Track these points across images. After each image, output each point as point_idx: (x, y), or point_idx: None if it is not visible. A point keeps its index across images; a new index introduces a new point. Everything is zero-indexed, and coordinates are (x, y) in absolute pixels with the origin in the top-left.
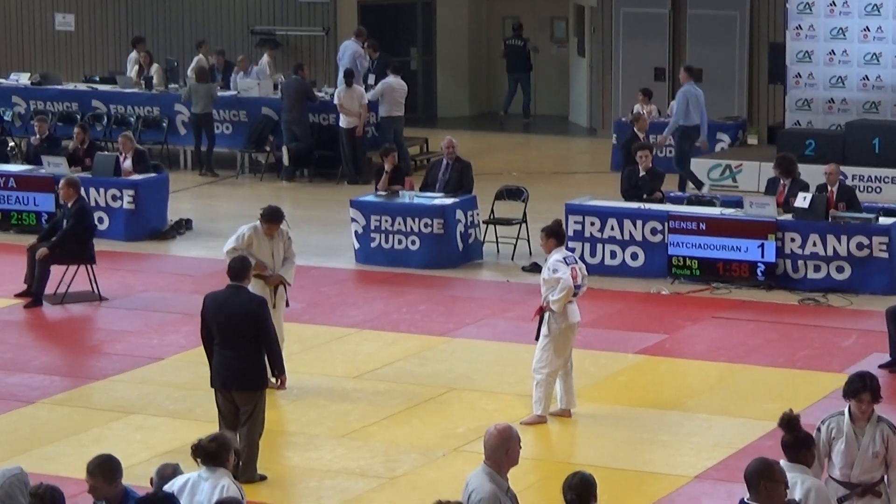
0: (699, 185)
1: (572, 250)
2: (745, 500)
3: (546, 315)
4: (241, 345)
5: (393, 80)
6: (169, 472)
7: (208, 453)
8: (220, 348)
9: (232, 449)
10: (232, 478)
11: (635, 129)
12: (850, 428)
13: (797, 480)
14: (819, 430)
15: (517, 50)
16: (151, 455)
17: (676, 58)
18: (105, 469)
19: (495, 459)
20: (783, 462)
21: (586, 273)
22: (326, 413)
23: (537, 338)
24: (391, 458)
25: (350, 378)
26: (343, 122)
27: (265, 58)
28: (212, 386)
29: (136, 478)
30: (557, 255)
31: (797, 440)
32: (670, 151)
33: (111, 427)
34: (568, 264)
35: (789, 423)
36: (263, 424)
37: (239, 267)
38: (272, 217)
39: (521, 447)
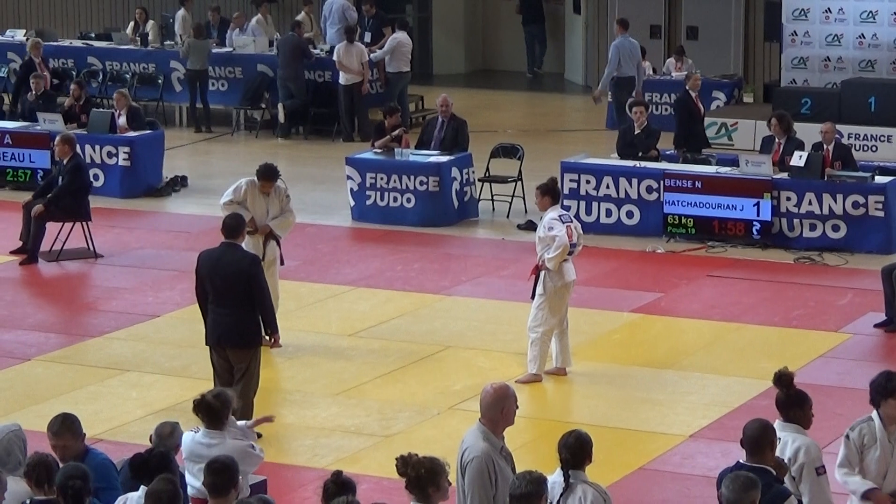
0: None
1: (567, 208)
2: (741, 461)
3: (542, 273)
4: (235, 302)
5: (401, 36)
6: (167, 430)
7: (212, 409)
8: (214, 306)
9: (231, 407)
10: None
11: (687, 88)
12: (883, 434)
13: (788, 440)
14: (848, 437)
15: (531, 1)
16: (147, 412)
17: (672, 15)
18: (71, 426)
19: (490, 418)
20: (777, 422)
21: (581, 231)
22: (321, 371)
23: (533, 296)
24: (386, 416)
25: (345, 336)
26: (342, 78)
27: (258, 15)
28: (206, 344)
29: (132, 435)
30: (553, 213)
31: (789, 398)
32: (666, 109)
33: (106, 384)
34: (563, 222)
35: (781, 379)
36: (258, 382)
37: (233, 224)
38: (267, 174)
39: (517, 406)
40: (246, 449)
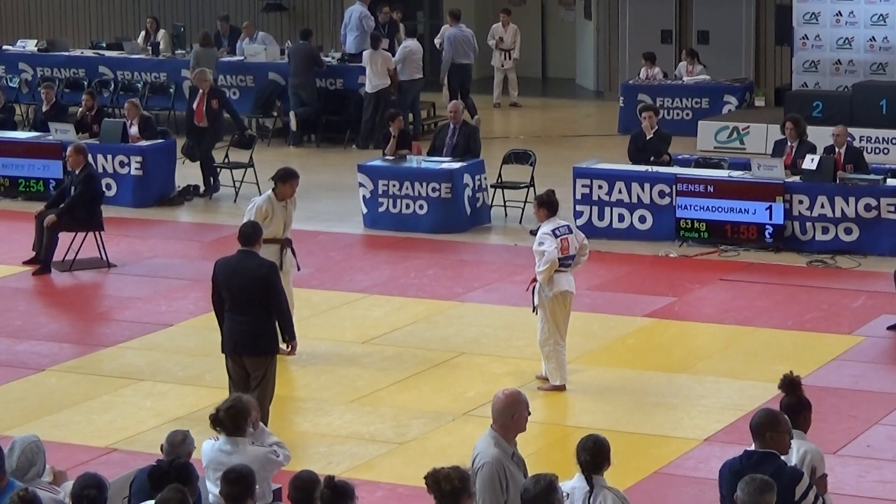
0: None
1: (580, 214)
2: (748, 450)
3: (536, 285)
4: (252, 310)
5: (412, 44)
6: (179, 438)
7: (227, 425)
8: (230, 314)
9: (250, 414)
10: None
11: None
12: None
13: (793, 445)
14: None
15: None
16: (161, 422)
17: (683, 20)
18: None
19: (502, 424)
20: None
21: (586, 241)
22: (335, 378)
23: (534, 310)
24: (401, 423)
25: (359, 343)
26: (368, 86)
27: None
28: (223, 351)
29: (147, 444)
30: (547, 226)
31: (799, 402)
32: (677, 114)
33: (120, 394)
34: (558, 236)
35: (791, 384)
36: (273, 390)
37: (250, 232)
38: (288, 175)
39: (529, 412)
40: (267, 455)
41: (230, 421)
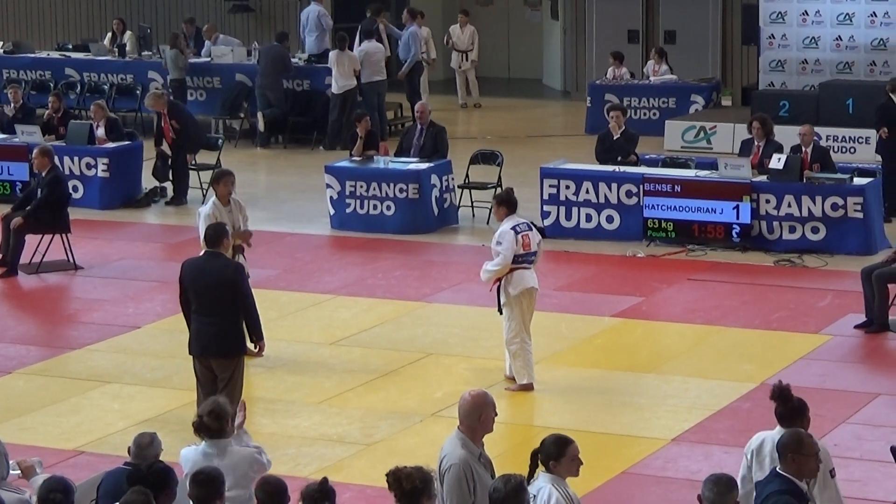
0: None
1: (547, 214)
2: (777, 469)
3: (501, 284)
4: (219, 311)
5: (367, 46)
6: (146, 440)
7: (212, 430)
8: (197, 315)
9: (230, 415)
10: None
11: (892, 96)
12: None
13: None
14: None
15: None
16: (129, 424)
17: (650, 20)
18: None
19: (468, 425)
20: (778, 428)
21: (540, 239)
22: (303, 380)
23: (499, 310)
24: (368, 424)
25: (326, 344)
26: (335, 87)
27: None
28: (190, 353)
29: (115, 447)
30: (507, 223)
31: (792, 410)
32: (644, 114)
33: (88, 396)
34: (518, 233)
35: (781, 394)
36: (241, 391)
37: (215, 233)
38: (220, 175)
39: (496, 413)
40: (254, 455)
41: (215, 423)
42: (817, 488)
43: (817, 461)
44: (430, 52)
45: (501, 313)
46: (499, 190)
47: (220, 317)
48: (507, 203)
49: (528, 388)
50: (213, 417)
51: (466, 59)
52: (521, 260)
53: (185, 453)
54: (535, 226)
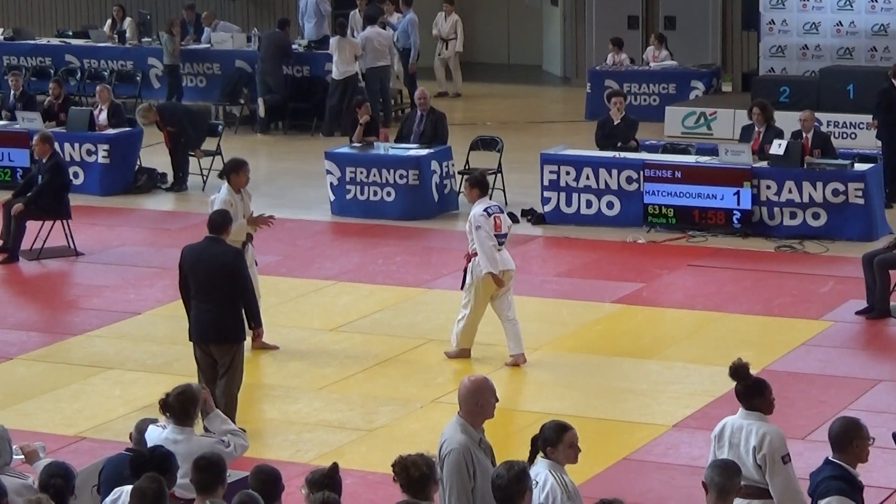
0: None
1: (548, 200)
2: (830, 458)
3: (472, 263)
4: (217, 297)
5: (370, 32)
6: (148, 426)
7: (175, 409)
8: (196, 301)
9: (199, 402)
10: (204, 434)
11: (893, 80)
12: None
13: (753, 428)
14: None
15: None
16: (130, 410)
17: (650, 6)
18: None
19: (468, 410)
20: (740, 410)
21: (511, 223)
22: (304, 366)
23: (463, 285)
24: (369, 409)
25: (327, 331)
26: (336, 73)
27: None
28: (190, 339)
29: (116, 433)
30: (480, 206)
31: (748, 388)
32: (644, 99)
33: (89, 382)
34: (490, 214)
35: (737, 371)
36: (242, 377)
37: (219, 219)
38: (239, 165)
39: (496, 399)
40: (213, 446)
41: (179, 406)
42: (769, 473)
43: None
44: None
45: (462, 289)
46: (500, 177)
47: (219, 303)
48: (480, 185)
49: (463, 354)
50: (179, 400)
51: (447, 48)
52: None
53: (151, 432)
54: (511, 213)
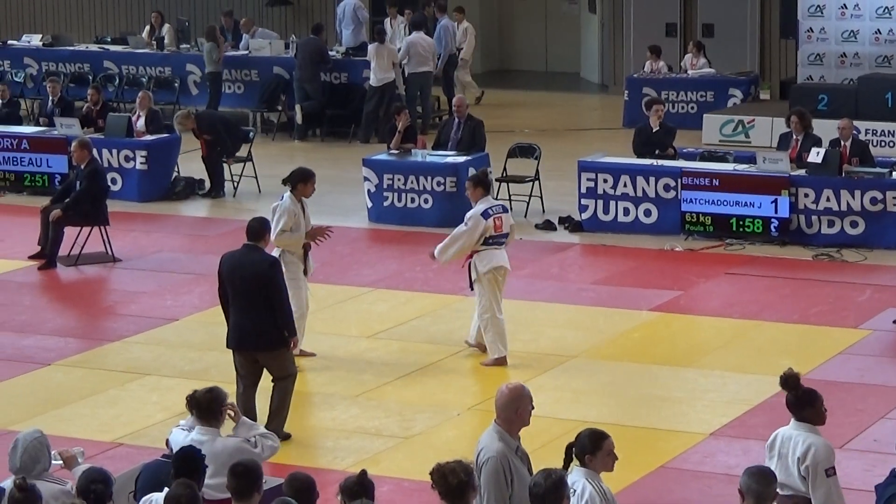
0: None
1: (585, 208)
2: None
3: (472, 261)
4: (254, 305)
5: (415, 37)
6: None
7: (202, 405)
8: (234, 308)
9: (225, 403)
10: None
11: None
12: None
13: (800, 439)
14: None
15: None
16: (167, 416)
17: (688, 13)
18: None
19: (505, 418)
20: (792, 421)
21: (513, 222)
22: (341, 373)
23: (470, 286)
24: (406, 417)
25: (364, 338)
26: (373, 80)
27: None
28: (228, 346)
29: (153, 439)
30: (482, 205)
31: (798, 398)
32: (682, 107)
33: (126, 388)
34: (490, 215)
35: (787, 381)
36: (294, 382)
37: (257, 227)
38: (309, 175)
39: (532, 407)
40: (239, 446)
41: (206, 403)
42: (812, 485)
43: None
44: (468, 48)
45: (472, 289)
46: (537, 184)
47: (256, 310)
48: (484, 184)
49: (502, 362)
50: (206, 397)
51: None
52: (493, 241)
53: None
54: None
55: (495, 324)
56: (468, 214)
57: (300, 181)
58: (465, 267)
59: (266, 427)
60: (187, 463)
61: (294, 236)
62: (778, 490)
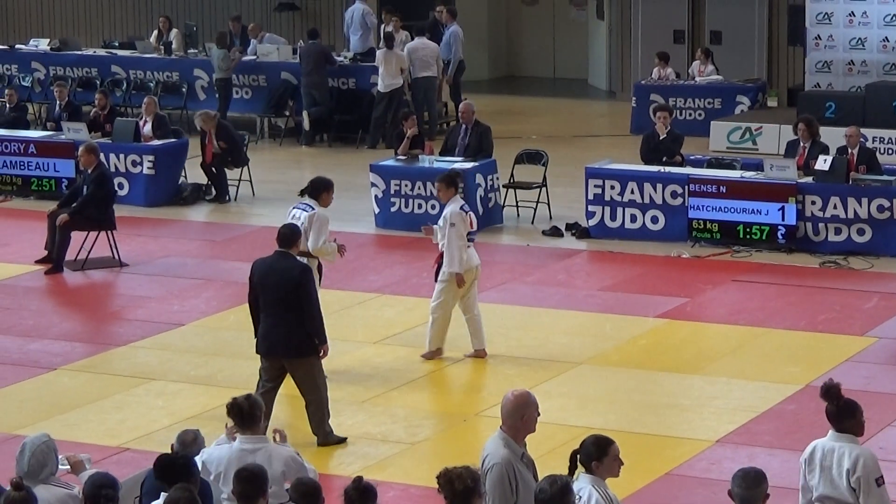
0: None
1: (592, 214)
2: None
3: (444, 260)
4: (284, 311)
5: (416, 42)
6: (190, 437)
7: (244, 412)
8: (264, 314)
9: (264, 411)
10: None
11: None
12: None
13: (845, 450)
14: None
15: None
16: (173, 421)
17: (696, 20)
18: None
19: (511, 425)
20: (830, 432)
21: (475, 219)
22: (347, 378)
23: (436, 279)
24: (412, 423)
25: (371, 343)
26: (381, 85)
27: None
28: (257, 352)
29: (159, 444)
30: (455, 204)
31: (839, 409)
32: (689, 114)
33: (133, 393)
34: (466, 212)
35: (828, 392)
36: (325, 386)
37: (289, 234)
38: (330, 184)
39: (538, 413)
40: (293, 455)
41: (249, 409)
42: (864, 496)
43: None
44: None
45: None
46: (544, 191)
47: (287, 317)
48: (455, 185)
49: (437, 354)
50: (249, 402)
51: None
52: (468, 238)
53: (212, 452)
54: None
55: (443, 320)
56: (448, 213)
57: (324, 190)
58: (435, 266)
59: (315, 433)
60: (167, 471)
61: (332, 246)
62: (817, 503)
